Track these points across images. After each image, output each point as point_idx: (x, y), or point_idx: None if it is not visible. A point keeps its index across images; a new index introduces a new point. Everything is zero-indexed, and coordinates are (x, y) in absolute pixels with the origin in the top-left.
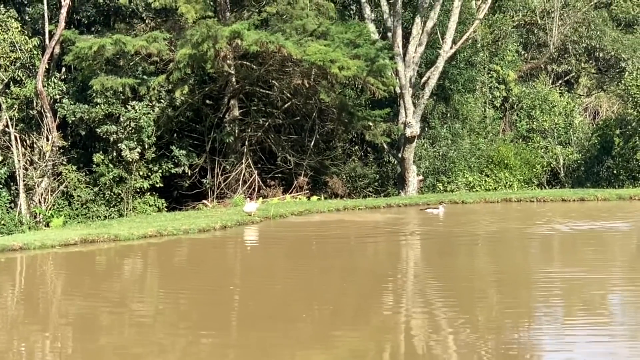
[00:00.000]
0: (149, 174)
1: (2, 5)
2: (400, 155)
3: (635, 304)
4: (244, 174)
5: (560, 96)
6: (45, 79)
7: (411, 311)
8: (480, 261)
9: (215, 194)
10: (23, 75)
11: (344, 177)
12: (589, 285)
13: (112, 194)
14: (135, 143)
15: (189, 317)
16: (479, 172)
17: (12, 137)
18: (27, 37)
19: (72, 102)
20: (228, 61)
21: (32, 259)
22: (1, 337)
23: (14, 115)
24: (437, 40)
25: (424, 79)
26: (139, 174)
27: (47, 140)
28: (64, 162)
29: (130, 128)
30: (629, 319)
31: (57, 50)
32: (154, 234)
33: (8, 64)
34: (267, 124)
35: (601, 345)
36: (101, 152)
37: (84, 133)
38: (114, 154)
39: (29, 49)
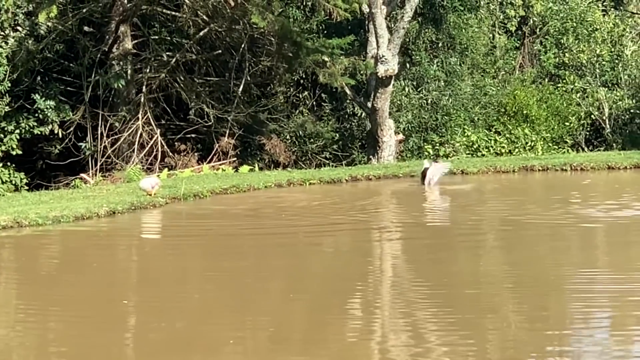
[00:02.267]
0: (1, 136)
1: None
2: (370, 104)
3: None
4: (141, 134)
5: (604, 15)
6: None
7: (388, 333)
8: (486, 266)
9: (99, 164)
10: None
11: (288, 137)
12: None
13: None
14: None
15: (62, 345)
16: (486, 128)
17: None
18: None
19: None
20: None
21: None
22: None
23: None
24: None
25: None
26: None
27: None
28: None
29: None
30: None
31: None
32: (10, 225)
33: None
34: (173, 60)
35: None
36: None
37: None
38: None
39: None
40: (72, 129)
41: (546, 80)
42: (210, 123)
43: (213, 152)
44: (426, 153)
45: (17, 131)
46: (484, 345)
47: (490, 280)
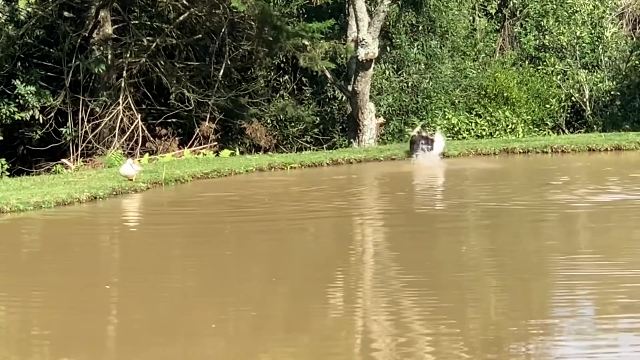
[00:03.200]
0: None
1: None
2: (351, 88)
3: None
4: (122, 119)
5: None
6: None
7: (371, 314)
8: (469, 252)
9: (80, 149)
10: None
11: (269, 121)
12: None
13: None
14: None
15: (44, 330)
16: (467, 110)
17: None
18: None
19: None
20: None
21: None
22: None
23: None
24: None
25: None
26: None
27: None
28: None
29: None
30: None
31: None
32: None
33: None
34: (154, 45)
35: None
36: None
37: None
38: None
39: None
40: (52, 114)
41: (526, 62)
42: (190, 107)
43: (194, 136)
44: (406, 136)
45: None
46: (467, 332)
47: (473, 267)
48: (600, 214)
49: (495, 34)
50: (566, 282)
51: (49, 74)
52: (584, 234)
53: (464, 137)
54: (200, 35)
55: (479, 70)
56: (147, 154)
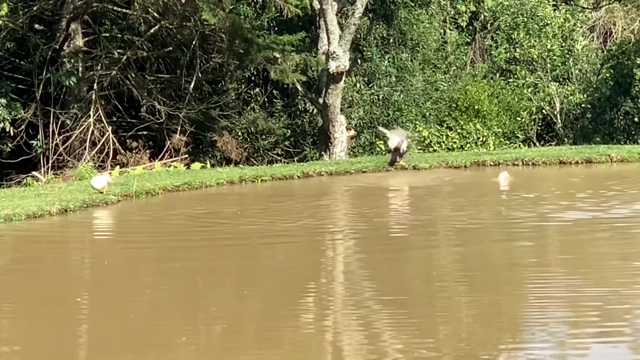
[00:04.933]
0: None
1: None
2: (322, 100)
3: None
4: (93, 132)
5: (554, 10)
6: None
7: (341, 327)
8: (441, 272)
9: (50, 162)
10: None
11: (240, 134)
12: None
13: None
14: None
15: (14, 344)
16: (438, 123)
17: None
18: None
19: None
20: None
21: None
22: None
23: None
24: None
25: None
26: None
27: None
28: None
29: None
30: None
31: None
32: None
33: None
34: (124, 58)
35: None
36: None
37: None
38: None
39: None
40: (23, 126)
41: (497, 75)
42: (161, 120)
43: (165, 149)
44: (377, 149)
45: None
46: (438, 350)
47: (444, 287)
48: (569, 231)
49: (466, 47)
50: (538, 302)
51: (19, 86)
52: (553, 251)
53: (434, 150)
54: (171, 48)
55: (450, 83)
56: (118, 166)
